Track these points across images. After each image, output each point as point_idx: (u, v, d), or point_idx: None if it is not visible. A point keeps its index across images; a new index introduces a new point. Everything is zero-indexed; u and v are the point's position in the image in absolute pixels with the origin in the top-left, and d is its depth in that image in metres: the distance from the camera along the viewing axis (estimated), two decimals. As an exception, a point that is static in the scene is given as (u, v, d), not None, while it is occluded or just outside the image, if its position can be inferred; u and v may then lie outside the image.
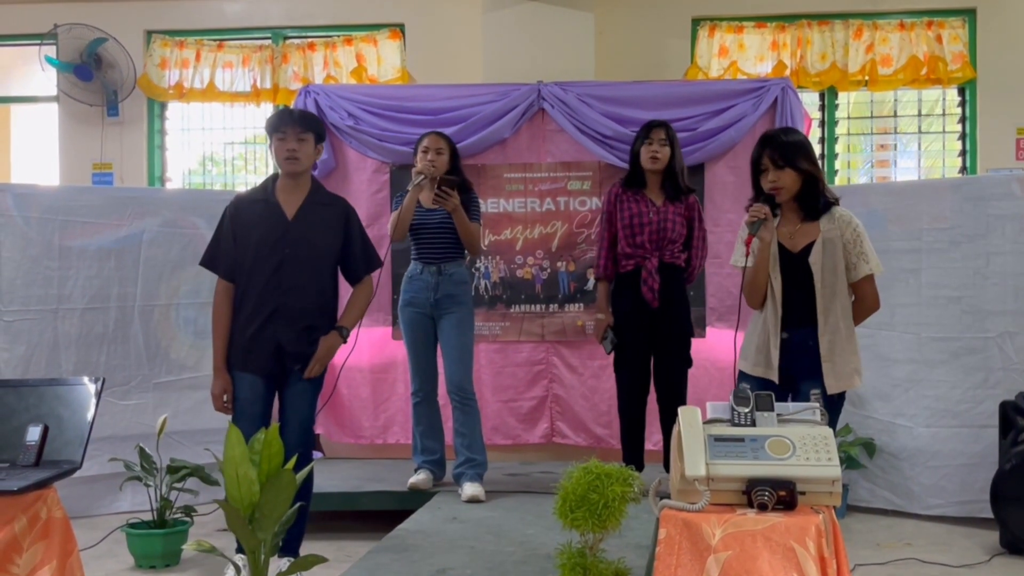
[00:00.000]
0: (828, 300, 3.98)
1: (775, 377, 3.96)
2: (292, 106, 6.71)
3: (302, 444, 4.31)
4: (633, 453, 5.29)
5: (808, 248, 3.99)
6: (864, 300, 4.08)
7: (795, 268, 3.99)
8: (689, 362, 5.33)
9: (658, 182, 5.32)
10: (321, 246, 4.47)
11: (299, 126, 4.42)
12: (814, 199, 4.02)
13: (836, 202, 4.07)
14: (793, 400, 3.87)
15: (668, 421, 5.23)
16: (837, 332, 3.99)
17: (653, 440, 5.63)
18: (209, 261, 4.55)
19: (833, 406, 3.93)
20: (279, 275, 4.38)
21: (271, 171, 7.48)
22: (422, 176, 5.23)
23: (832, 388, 3.94)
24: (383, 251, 6.28)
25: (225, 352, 4.46)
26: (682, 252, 5.30)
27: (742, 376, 4.10)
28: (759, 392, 3.05)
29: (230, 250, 4.46)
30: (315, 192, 4.55)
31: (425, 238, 5.34)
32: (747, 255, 4.00)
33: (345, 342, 4.56)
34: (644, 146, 5.29)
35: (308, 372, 4.41)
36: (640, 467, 5.19)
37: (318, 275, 4.46)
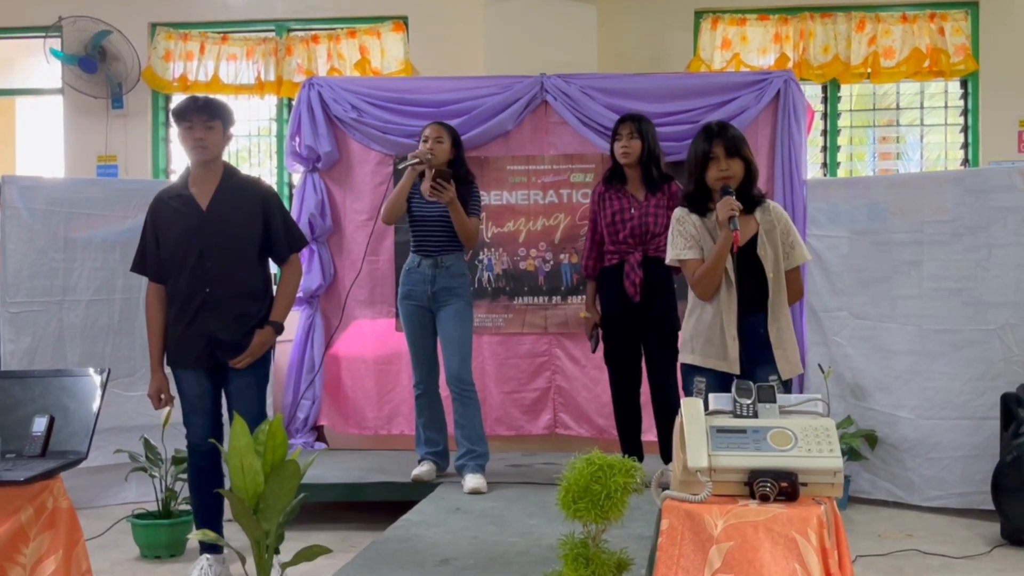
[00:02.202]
0: (776, 290, 4.07)
1: (733, 368, 3.98)
2: (295, 99, 6.73)
3: None
4: (631, 444, 5.32)
5: (752, 241, 4.06)
6: (792, 287, 4.17)
7: (744, 260, 4.04)
8: (676, 353, 5.33)
9: (637, 176, 5.32)
10: (240, 232, 4.44)
11: (205, 114, 4.37)
12: (750, 191, 4.11)
13: (765, 195, 4.19)
14: None
15: (660, 413, 5.26)
16: (785, 320, 4.10)
17: (654, 431, 5.64)
18: (138, 265, 4.56)
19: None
20: (201, 267, 4.37)
21: (275, 163, 7.60)
22: (416, 160, 5.18)
23: (786, 374, 4.03)
24: (388, 243, 6.33)
25: (160, 353, 4.49)
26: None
27: (690, 370, 4.12)
28: (761, 384, 3.06)
29: (155, 251, 4.46)
30: (228, 178, 4.50)
31: (424, 230, 5.34)
32: (735, 251, 3.99)
33: (279, 334, 4.54)
34: (616, 143, 5.30)
35: (236, 363, 4.39)
36: (640, 458, 5.21)
37: (241, 262, 4.43)
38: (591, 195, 5.52)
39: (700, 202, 4.12)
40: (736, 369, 3.97)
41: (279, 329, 4.51)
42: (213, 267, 4.38)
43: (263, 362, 4.50)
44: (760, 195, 4.17)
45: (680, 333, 4.29)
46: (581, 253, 6.30)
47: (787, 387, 4.04)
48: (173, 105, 4.51)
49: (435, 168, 5.19)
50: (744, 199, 4.06)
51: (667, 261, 4.23)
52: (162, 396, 4.52)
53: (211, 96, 4.60)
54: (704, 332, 4.10)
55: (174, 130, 7.70)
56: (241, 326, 4.41)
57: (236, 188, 4.48)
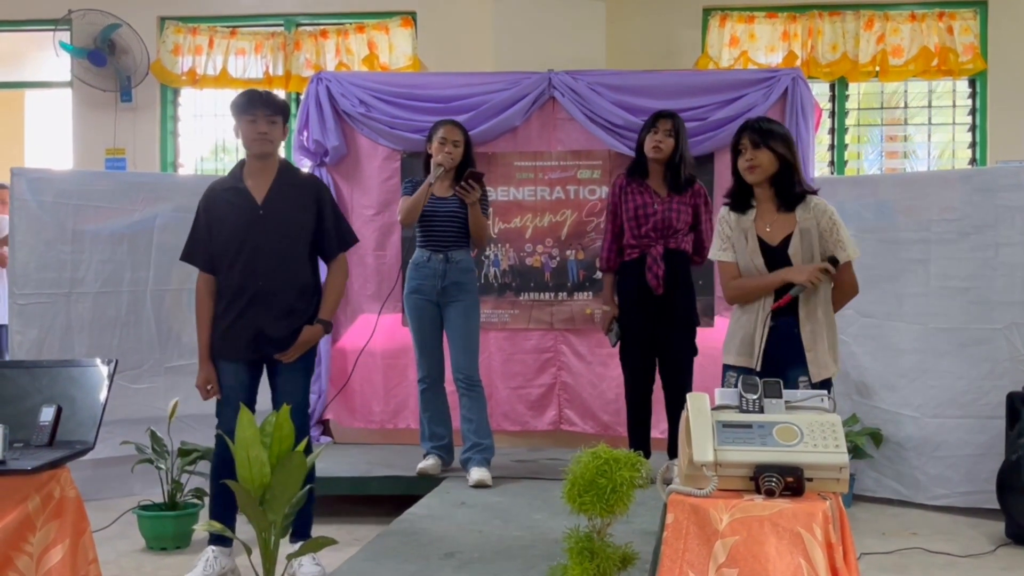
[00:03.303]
0: (808, 290, 4.01)
1: (755, 364, 3.96)
2: (303, 93, 6.74)
3: (299, 429, 4.37)
4: (639, 440, 5.31)
5: (787, 240, 4.02)
6: (843, 286, 4.12)
7: (776, 260, 4.01)
8: (694, 350, 5.33)
9: (661, 172, 5.30)
10: (294, 228, 4.45)
11: (270, 108, 4.39)
12: (789, 187, 4.05)
13: (814, 192, 4.12)
14: None
15: (673, 409, 5.25)
16: (817, 321, 4.03)
17: (660, 428, 5.65)
18: (188, 255, 4.57)
19: None
20: (254, 261, 4.38)
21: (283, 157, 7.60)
22: (442, 168, 5.25)
23: (814, 376, 3.98)
24: (394, 238, 6.34)
25: (209, 343, 4.49)
26: (687, 236, 5.30)
27: (727, 369, 4.11)
28: (767, 379, 3.07)
29: (206, 242, 4.48)
30: (283, 173, 4.51)
31: (434, 226, 5.36)
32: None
33: (328, 333, 4.57)
34: (649, 135, 5.28)
35: (283, 357, 4.41)
36: (647, 454, 5.21)
37: (294, 257, 4.45)
38: (611, 187, 5.49)
39: (739, 198, 4.11)
40: (756, 365, 3.95)
41: (328, 328, 4.54)
42: (266, 262, 4.39)
43: (310, 354, 4.54)
44: (804, 191, 4.09)
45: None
46: (591, 248, 6.33)
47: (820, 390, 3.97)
48: (235, 97, 4.49)
49: (469, 170, 5.26)
50: (781, 194, 4.04)
51: (709, 256, 4.23)
52: (209, 387, 4.49)
53: (272, 92, 4.62)
54: (739, 332, 4.09)
55: (183, 124, 7.83)
56: (290, 322, 4.42)
57: (291, 183, 4.50)
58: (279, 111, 4.43)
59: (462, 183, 5.19)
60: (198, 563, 4.47)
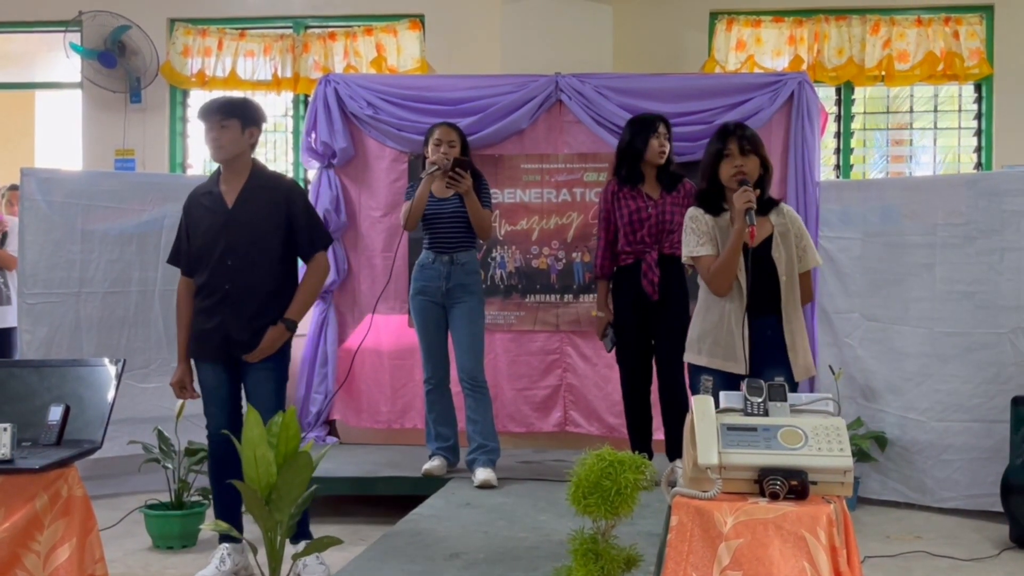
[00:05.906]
0: (788, 292, 4.08)
1: (742, 369, 3.97)
2: (312, 95, 6.77)
3: None
4: (641, 442, 5.32)
5: (765, 242, 4.07)
6: (803, 290, 4.19)
7: (758, 260, 4.03)
8: None
9: (655, 175, 5.33)
10: (264, 229, 4.47)
11: (219, 114, 4.42)
12: (765, 194, 4.13)
13: (780, 200, 4.23)
14: None
15: (668, 413, 5.26)
16: (798, 322, 4.11)
17: (662, 430, 5.66)
18: (173, 257, 4.65)
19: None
20: (223, 264, 4.42)
21: (290, 159, 7.64)
22: (436, 167, 5.25)
23: (799, 376, 4.06)
24: (400, 239, 6.35)
25: (186, 344, 4.55)
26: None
27: (697, 370, 4.13)
28: (772, 382, 3.08)
29: (186, 246, 4.55)
30: (255, 176, 4.54)
31: (437, 227, 5.37)
32: (751, 243, 3.97)
33: (292, 333, 4.55)
34: (653, 139, 5.26)
35: (249, 357, 4.44)
36: (649, 456, 5.22)
37: (263, 260, 4.47)
38: (603, 193, 5.51)
39: (713, 201, 4.14)
40: (744, 369, 3.97)
41: (291, 327, 4.51)
42: (235, 264, 4.43)
43: (279, 357, 4.52)
44: (773, 198, 4.20)
45: (688, 332, 4.29)
46: (594, 252, 6.33)
47: (795, 390, 4.02)
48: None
49: (454, 158, 5.25)
50: (759, 200, 4.07)
51: (683, 260, 4.24)
52: (183, 387, 4.56)
53: (232, 95, 4.65)
54: (712, 332, 4.10)
55: (191, 125, 7.86)
56: (257, 324, 4.44)
57: (261, 186, 4.53)
58: (232, 114, 4.45)
59: (450, 172, 5.18)
60: (212, 560, 4.48)
